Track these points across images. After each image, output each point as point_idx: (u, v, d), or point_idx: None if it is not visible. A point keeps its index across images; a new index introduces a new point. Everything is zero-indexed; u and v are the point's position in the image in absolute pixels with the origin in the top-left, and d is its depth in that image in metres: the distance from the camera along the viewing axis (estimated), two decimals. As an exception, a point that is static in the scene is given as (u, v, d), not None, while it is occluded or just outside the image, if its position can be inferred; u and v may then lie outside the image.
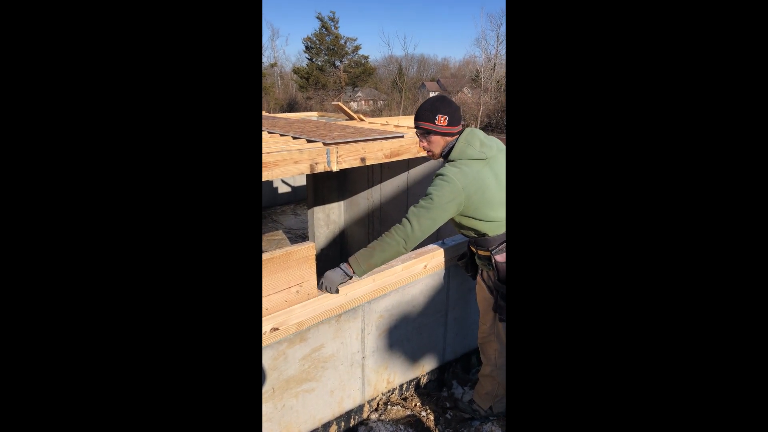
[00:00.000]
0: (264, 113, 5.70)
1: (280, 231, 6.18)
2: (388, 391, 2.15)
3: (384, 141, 3.27)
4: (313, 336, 1.72)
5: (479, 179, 1.62)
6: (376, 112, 27.43)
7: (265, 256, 1.50)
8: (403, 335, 2.09)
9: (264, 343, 1.57)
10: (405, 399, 2.20)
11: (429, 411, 2.13)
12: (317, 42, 25.81)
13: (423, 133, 1.69)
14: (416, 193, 4.04)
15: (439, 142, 1.69)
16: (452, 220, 1.71)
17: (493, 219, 1.67)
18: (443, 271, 2.14)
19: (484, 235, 1.72)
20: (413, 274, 1.99)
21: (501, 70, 28.84)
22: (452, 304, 2.25)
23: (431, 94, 32.51)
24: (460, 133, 1.70)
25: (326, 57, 26.15)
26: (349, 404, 1.97)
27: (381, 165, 4.32)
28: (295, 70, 27.03)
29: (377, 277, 1.84)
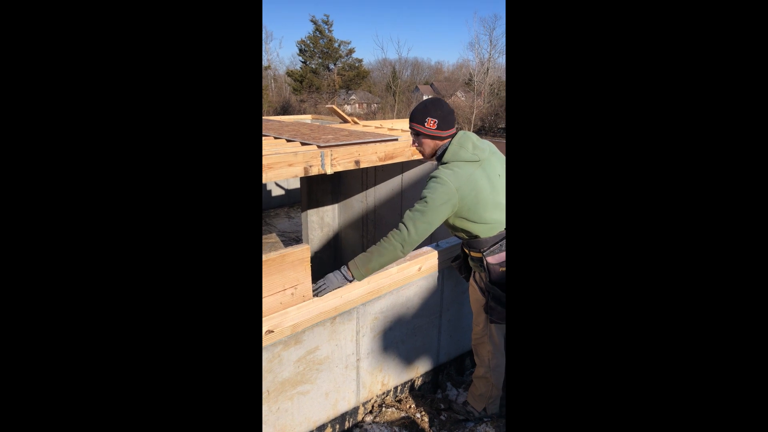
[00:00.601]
0: (258, 116, 5.67)
1: (274, 234, 6.16)
2: (383, 393, 2.15)
3: (378, 144, 3.28)
4: (308, 338, 1.72)
5: (472, 181, 1.64)
6: (370, 115, 27.48)
7: (260, 258, 1.50)
8: (398, 337, 2.10)
9: (259, 346, 1.56)
10: (399, 401, 2.21)
11: (423, 413, 2.14)
12: (311, 45, 25.84)
13: (414, 134, 1.75)
14: (410, 196, 4.06)
15: (428, 144, 1.73)
16: (446, 221, 1.73)
17: (486, 221, 1.69)
18: (437, 273, 2.15)
19: (476, 237, 1.74)
20: (408, 276, 2.00)
21: (494, 74, 29.04)
22: (446, 306, 2.26)
23: (425, 98, 32.60)
24: (453, 135, 1.72)
25: (320, 60, 26.18)
26: (344, 406, 1.97)
27: (375, 168, 4.33)
28: (289, 73, 27.02)
29: (372, 279, 1.85)
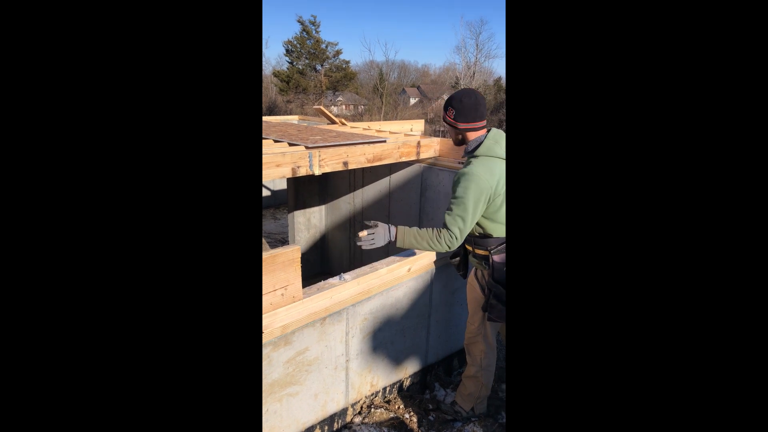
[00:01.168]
0: (244, 116, 5.61)
1: (260, 235, 6.10)
2: (372, 394, 2.15)
3: (366, 145, 3.29)
4: (297, 339, 1.72)
5: (503, 179, 1.67)
6: (357, 117, 27.46)
7: (250, 259, 1.49)
8: (387, 338, 2.10)
9: (248, 347, 1.55)
10: (388, 402, 2.21)
11: (412, 413, 2.15)
12: (298, 46, 25.71)
13: (446, 123, 1.81)
14: (398, 197, 4.07)
15: (450, 132, 1.81)
16: None
17: (502, 221, 1.73)
18: (427, 274, 2.17)
19: (489, 235, 1.77)
20: (397, 277, 2.01)
21: (480, 78, 29.35)
22: (435, 306, 2.28)
23: (411, 100, 32.82)
24: (470, 129, 1.73)
25: (307, 61, 26.06)
26: (333, 408, 1.96)
27: (363, 169, 4.34)
28: (276, 74, 26.82)
29: (362, 281, 1.85)
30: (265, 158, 2.42)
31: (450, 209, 1.69)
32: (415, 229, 1.73)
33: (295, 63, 26.17)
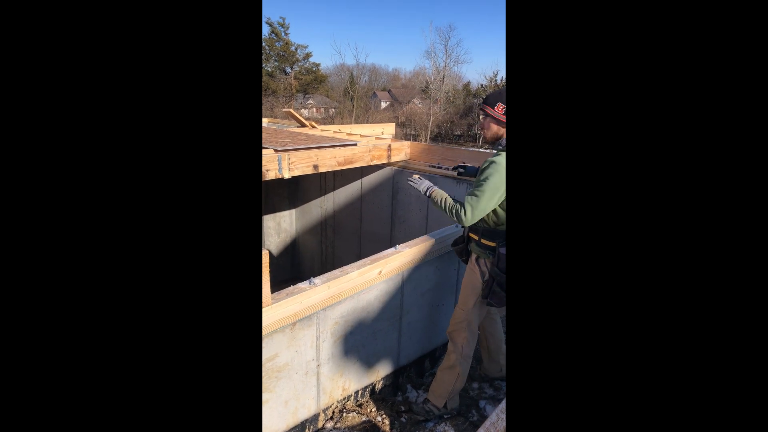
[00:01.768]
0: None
1: (229, 240, 5.95)
2: (344, 399, 2.14)
3: (337, 149, 3.28)
4: (266, 345, 1.69)
5: None
6: (328, 120, 27.35)
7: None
8: (359, 341, 2.10)
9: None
10: (360, 405, 2.21)
11: (384, 416, 2.15)
12: (267, 48, 25.35)
13: (483, 115, 1.88)
14: (370, 200, 4.08)
15: (491, 128, 1.86)
16: None
17: None
18: (398, 277, 2.18)
19: (501, 225, 1.83)
20: (368, 280, 2.01)
21: (450, 83, 29.85)
22: (406, 309, 2.30)
23: (383, 104, 32.99)
24: None
25: (276, 63, 25.73)
26: (304, 414, 1.94)
27: (334, 173, 4.32)
28: (244, 76, 26.29)
29: (332, 284, 1.84)
30: (232, 161, 2.37)
31: (472, 189, 1.80)
32: (446, 195, 1.89)
33: (264, 65, 25.78)
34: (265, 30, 25.38)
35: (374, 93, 33.55)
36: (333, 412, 2.10)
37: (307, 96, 27.67)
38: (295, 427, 1.91)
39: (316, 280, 1.84)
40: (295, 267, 5.29)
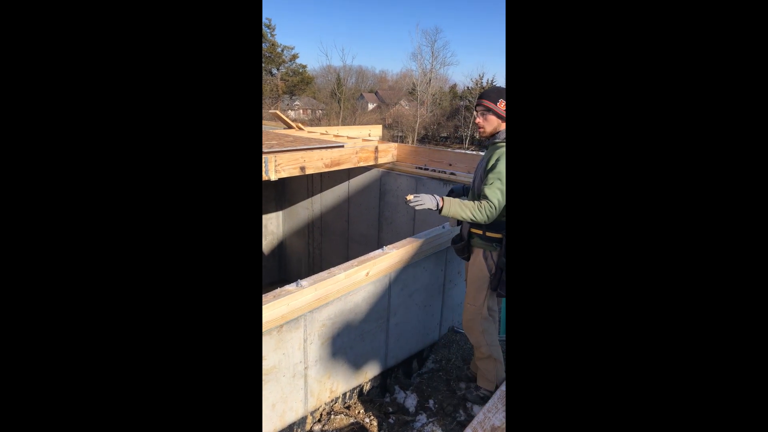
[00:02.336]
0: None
1: (215, 243, 5.89)
2: (332, 401, 2.13)
3: (324, 150, 3.28)
4: (253, 348, 1.68)
5: None
6: (315, 122, 27.23)
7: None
8: (346, 343, 2.10)
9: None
10: (348, 407, 2.20)
11: (372, 417, 2.15)
12: (253, 48, 25.17)
13: (484, 110, 1.91)
14: (358, 202, 4.08)
15: (493, 123, 1.91)
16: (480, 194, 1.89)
17: None
18: (385, 278, 2.18)
19: (503, 216, 1.85)
20: (355, 281, 2.01)
21: (436, 84, 30.04)
22: (394, 310, 2.30)
23: (370, 106, 33.00)
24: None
25: (262, 64, 25.57)
26: (292, 417, 1.93)
27: (321, 174, 4.31)
28: (229, 76, 26.08)
29: (319, 286, 1.84)
30: (217, 163, 2.35)
31: (490, 183, 1.82)
32: (458, 200, 1.89)
33: (250, 66, 25.57)
34: (251, 31, 25.13)
35: (361, 95, 33.56)
36: (321, 415, 2.09)
37: (293, 97, 27.55)
38: (283, 430, 1.90)
39: (303, 282, 1.83)
40: (282, 269, 5.26)
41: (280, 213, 5.07)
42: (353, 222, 4.17)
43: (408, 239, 2.31)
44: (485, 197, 1.81)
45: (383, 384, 2.40)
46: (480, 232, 1.97)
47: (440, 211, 1.88)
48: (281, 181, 4.69)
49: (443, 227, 2.48)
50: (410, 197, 1.93)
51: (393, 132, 27.16)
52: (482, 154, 2.21)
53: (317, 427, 2.06)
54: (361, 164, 3.58)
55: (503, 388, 1.50)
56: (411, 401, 2.26)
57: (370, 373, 2.30)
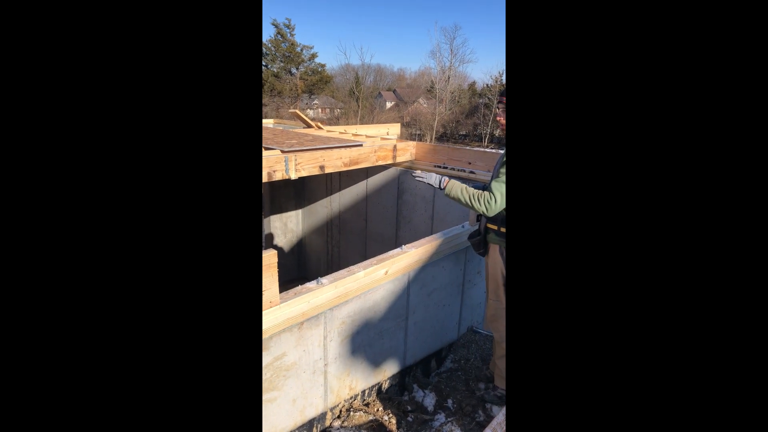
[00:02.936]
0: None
1: (236, 240, 5.99)
2: (351, 398, 2.15)
3: (343, 149, 3.30)
4: (275, 344, 1.71)
5: None
6: (333, 120, 27.39)
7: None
8: (365, 341, 2.11)
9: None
10: (367, 404, 2.22)
11: (391, 415, 2.16)
12: (272, 49, 25.47)
13: (504, 109, 1.93)
14: (375, 201, 4.09)
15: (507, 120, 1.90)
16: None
17: None
18: (404, 277, 2.19)
19: None
20: (375, 279, 2.02)
21: (455, 82, 29.79)
22: (412, 308, 2.31)
23: (388, 104, 32.99)
24: None
25: (282, 64, 25.85)
26: (312, 412, 1.96)
27: (340, 173, 4.34)
28: (250, 77, 26.40)
29: (339, 284, 1.86)
30: (239, 163, 2.39)
31: (498, 177, 1.83)
32: (463, 185, 1.92)
33: (269, 66, 25.89)
34: (271, 31, 25.50)
35: (379, 93, 33.56)
36: (340, 411, 2.12)
37: (312, 96, 27.76)
38: (303, 425, 1.93)
39: (324, 279, 1.85)
40: (301, 267, 5.32)
41: (299, 211, 5.13)
42: (371, 220, 4.19)
43: (427, 238, 2.31)
44: (489, 189, 1.82)
45: (402, 382, 2.41)
46: (495, 227, 1.97)
47: (442, 189, 1.94)
48: (301, 179, 4.75)
49: (462, 226, 2.47)
50: (418, 172, 2.05)
51: (411, 130, 27.09)
52: (501, 152, 2.20)
53: (337, 423, 2.08)
54: (380, 163, 3.59)
55: None
56: (429, 400, 2.27)
57: (388, 371, 2.31)
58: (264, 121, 5.96)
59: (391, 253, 2.15)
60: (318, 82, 26.54)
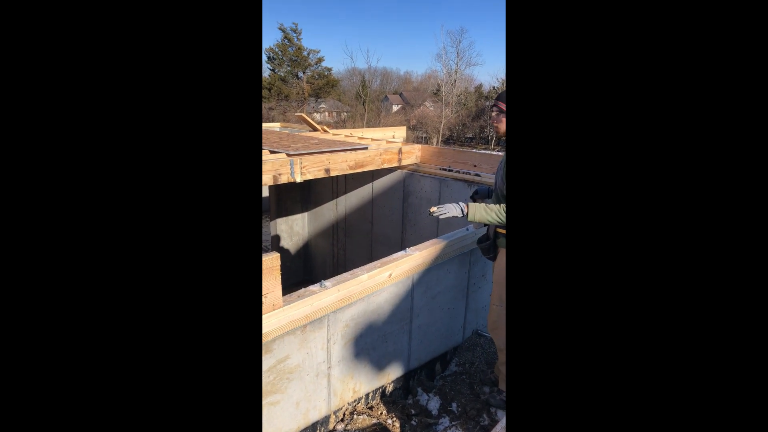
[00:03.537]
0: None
1: (242, 243, 6.02)
2: (354, 401, 2.15)
3: (348, 152, 3.31)
4: (278, 347, 1.71)
5: None
6: (340, 124, 27.48)
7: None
8: (369, 344, 2.11)
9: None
10: (371, 408, 2.21)
11: (395, 418, 2.15)
12: (279, 53, 25.65)
13: (498, 111, 1.95)
14: (381, 204, 4.09)
15: (504, 123, 1.93)
16: (503, 194, 1.91)
17: None
18: (408, 280, 2.19)
19: None
20: (378, 282, 2.02)
21: (461, 85, 29.75)
22: (416, 312, 2.30)
23: (394, 107, 33.04)
24: None
25: (289, 68, 26.01)
26: (315, 415, 1.96)
27: (345, 176, 4.35)
28: (257, 81, 26.60)
29: (342, 287, 1.86)
30: (245, 166, 2.41)
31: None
32: (483, 204, 1.92)
33: (276, 70, 26.07)
34: (278, 36, 25.71)
35: (386, 96, 33.63)
36: (344, 414, 2.11)
37: (319, 100, 27.88)
38: (306, 428, 1.93)
39: (327, 282, 1.85)
40: (307, 269, 5.33)
41: (305, 214, 5.14)
42: (377, 223, 4.19)
43: (431, 241, 2.31)
44: (504, 195, 1.81)
45: (406, 386, 2.40)
46: (504, 231, 1.96)
47: (466, 216, 1.91)
48: (307, 182, 4.77)
49: (467, 229, 2.46)
50: (433, 209, 1.96)
51: (417, 133, 27.09)
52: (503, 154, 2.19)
53: (340, 426, 2.08)
54: (385, 166, 3.59)
55: None
56: (434, 404, 2.25)
57: (392, 374, 2.30)
58: (270, 124, 5.99)
59: (394, 256, 2.15)
60: (324, 86, 26.67)
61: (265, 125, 5.74)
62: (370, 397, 2.23)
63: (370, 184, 4.18)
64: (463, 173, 3.37)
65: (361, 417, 2.13)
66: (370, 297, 2.03)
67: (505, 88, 2.06)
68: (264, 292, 1.62)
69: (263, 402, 1.71)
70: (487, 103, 27.97)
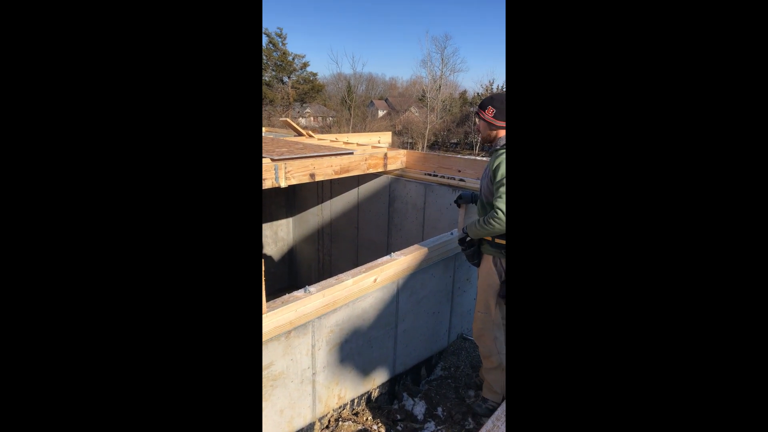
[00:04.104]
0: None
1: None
2: (340, 407, 2.13)
3: (334, 157, 3.30)
4: (262, 354, 1.69)
5: None
6: (326, 129, 27.44)
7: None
8: (354, 349, 2.10)
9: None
10: (356, 414, 2.20)
11: (380, 424, 2.14)
12: (264, 57, 25.52)
13: (477, 117, 2.04)
14: (367, 209, 4.10)
15: (484, 128, 2.02)
16: (488, 202, 1.96)
17: None
18: (393, 285, 2.19)
19: None
20: (363, 288, 2.02)
21: (446, 91, 30.07)
22: (402, 316, 2.30)
23: (380, 113, 33.16)
24: (503, 128, 1.96)
25: (274, 73, 25.90)
26: (300, 423, 1.93)
27: (331, 181, 4.34)
28: (242, 85, 26.39)
29: (327, 293, 1.85)
30: (228, 171, 2.38)
31: (498, 195, 1.86)
32: (473, 222, 2.01)
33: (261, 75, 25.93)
34: (263, 40, 25.56)
35: (371, 102, 33.73)
36: (329, 421, 2.09)
37: (304, 105, 27.81)
38: (291, 436, 1.91)
39: (311, 288, 1.84)
40: (292, 275, 5.29)
41: (290, 219, 5.11)
42: (362, 228, 4.19)
43: (416, 245, 2.32)
44: (497, 208, 1.82)
45: (391, 391, 2.40)
46: (489, 238, 1.97)
47: (466, 233, 2.01)
48: (291, 188, 4.74)
49: (451, 233, 2.48)
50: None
51: (403, 138, 27.22)
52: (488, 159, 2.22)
53: (325, 433, 2.06)
54: (371, 171, 3.60)
55: None
56: (419, 408, 2.25)
57: (378, 379, 2.29)
58: (255, 129, 5.93)
59: (379, 260, 2.15)
60: (310, 91, 26.63)
61: (249, 130, 5.68)
62: (355, 403, 2.21)
63: (356, 189, 4.17)
64: (448, 178, 3.40)
65: (347, 423, 2.12)
66: (355, 302, 2.02)
67: (488, 95, 2.12)
68: (247, 298, 1.60)
69: (246, 410, 1.69)
70: (472, 109, 28.33)
